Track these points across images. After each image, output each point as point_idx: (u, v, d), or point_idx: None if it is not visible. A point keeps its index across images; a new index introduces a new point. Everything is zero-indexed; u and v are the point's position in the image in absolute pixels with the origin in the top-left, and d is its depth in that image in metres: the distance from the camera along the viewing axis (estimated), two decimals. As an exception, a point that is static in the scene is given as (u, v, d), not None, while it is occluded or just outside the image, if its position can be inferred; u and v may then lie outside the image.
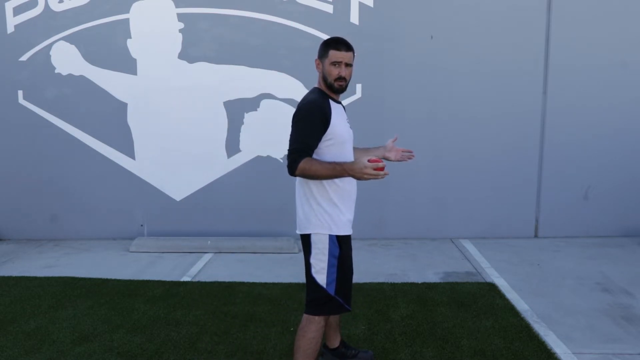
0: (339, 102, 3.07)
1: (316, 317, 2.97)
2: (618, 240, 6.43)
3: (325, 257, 2.93)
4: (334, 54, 2.92)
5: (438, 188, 6.61)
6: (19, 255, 6.26)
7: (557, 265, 5.59)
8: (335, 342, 3.46)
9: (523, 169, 6.58)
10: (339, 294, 2.96)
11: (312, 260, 2.96)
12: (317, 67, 3.03)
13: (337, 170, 2.76)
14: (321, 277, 2.93)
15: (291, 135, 2.87)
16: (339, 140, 2.93)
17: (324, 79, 2.98)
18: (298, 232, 3.06)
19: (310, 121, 2.82)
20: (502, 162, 6.56)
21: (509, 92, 6.46)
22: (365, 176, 2.68)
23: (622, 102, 6.44)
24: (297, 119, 2.86)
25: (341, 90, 2.99)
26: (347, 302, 3.02)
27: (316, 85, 3.07)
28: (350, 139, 3.08)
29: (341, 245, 2.95)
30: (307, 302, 3.02)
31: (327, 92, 3.00)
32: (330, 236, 2.92)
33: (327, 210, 2.92)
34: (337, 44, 2.95)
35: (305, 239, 3.00)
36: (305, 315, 3.01)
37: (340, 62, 2.92)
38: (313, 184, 2.91)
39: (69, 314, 4.43)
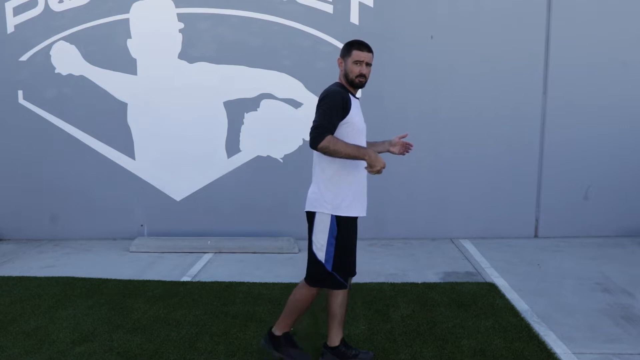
0: (358, 98, 3.41)
1: (309, 286, 3.35)
2: (618, 240, 6.42)
3: (326, 236, 3.23)
4: (357, 54, 3.27)
5: (438, 188, 6.61)
6: (19, 255, 6.26)
7: (557, 265, 5.59)
8: (336, 341, 3.46)
9: (523, 169, 6.58)
10: (336, 271, 3.26)
11: (313, 238, 3.28)
12: (339, 65, 3.36)
13: (360, 152, 3.11)
14: (321, 253, 3.25)
15: (316, 115, 3.15)
16: (355, 128, 3.25)
17: (346, 75, 3.31)
18: (305, 209, 3.34)
19: (333, 104, 3.13)
20: (502, 162, 6.56)
21: (509, 92, 6.46)
22: (377, 167, 3.09)
23: (622, 101, 6.44)
24: (321, 103, 3.18)
25: (361, 85, 3.34)
26: (345, 280, 3.29)
27: (337, 81, 3.38)
28: (365, 131, 3.38)
29: (340, 227, 3.23)
30: (307, 273, 3.36)
31: (347, 87, 3.33)
32: (332, 217, 3.22)
33: (334, 192, 3.23)
34: (360, 45, 3.31)
35: (310, 217, 3.30)
36: (302, 281, 3.38)
37: (362, 61, 3.28)
38: (329, 168, 3.23)
39: (69, 314, 4.43)
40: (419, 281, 5.11)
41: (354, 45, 3.31)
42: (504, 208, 6.63)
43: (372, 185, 6.34)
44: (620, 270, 5.35)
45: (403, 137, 3.67)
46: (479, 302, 4.55)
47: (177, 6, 6.42)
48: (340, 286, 3.29)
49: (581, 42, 6.36)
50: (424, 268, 5.55)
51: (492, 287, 4.91)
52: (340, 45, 6.34)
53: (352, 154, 3.09)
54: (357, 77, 3.28)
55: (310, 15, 6.36)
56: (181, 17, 6.45)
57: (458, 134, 6.52)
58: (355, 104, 3.28)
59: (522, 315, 4.26)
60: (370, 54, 3.31)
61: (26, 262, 5.96)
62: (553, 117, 6.48)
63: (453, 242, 6.50)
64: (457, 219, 6.65)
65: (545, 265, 5.57)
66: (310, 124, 3.13)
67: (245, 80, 6.47)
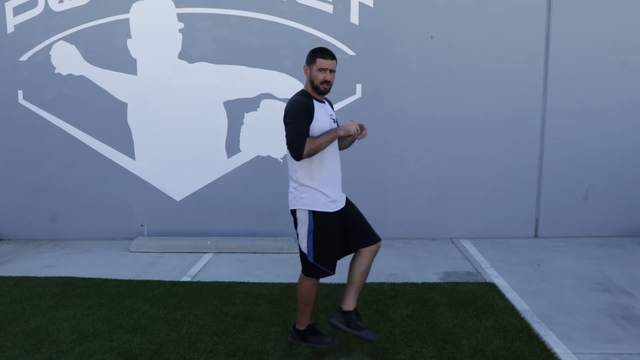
0: (323, 101, 3.62)
1: (306, 277, 3.59)
2: (618, 240, 6.42)
3: (305, 229, 3.49)
4: (320, 62, 3.48)
5: (438, 188, 6.61)
6: (19, 255, 6.26)
7: (557, 265, 5.59)
8: (349, 306, 3.62)
9: (523, 169, 6.58)
10: (317, 261, 3.49)
11: (297, 231, 3.57)
12: (305, 72, 3.58)
13: (331, 136, 3.41)
14: (303, 245, 3.52)
15: (287, 131, 3.42)
16: (319, 133, 3.46)
17: (311, 82, 3.54)
18: (289, 207, 3.60)
19: (298, 116, 3.39)
20: (502, 162, 6.56)
21: (509, 92, 6.45)
22: (352, 129, 3.41)
23: (622, 102, 6.44)
24: (288, 117, 3.43)
25: (326, 92, 3.55)
26: (329, 268, 3.53)
27: (303, 88, 3.62)
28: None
29: (316, 222, 3.46)
30: (301, 264, 3.62)
31: (313, 93, 3.55)
32: (309, 212, 3.47)
33: (308, 191, 3.47)
34: (323, 53, 3.51)
35: (293, 213, 3.58)
36: (301, 273, 3.63)
37: (326, 68, 3.48)
38: (300, 170, 3.47)
39: (69, 314, 4.43)
40: (419, 281, 5.11)
41: (317, 53, 3.51)
42: (504, 208, 6.62)
43: (372, 185, 6.37)
44: (620, 270, 5.35)
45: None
46: (479, 302, 4.55)
47: (177, 6, 6.42)
48: (324, 274, 3.54)
49: (581, 42, 6.36)
50: (424, 268, 5.55)
51: (492, 287, 4.91)
52: (341, 46, 6.43)
53: (327, 142, 3.40)
54: (321, 83, 3.48)
55: (310, 15, 6.36)
56: (181, 17, 6.45)
57: (458, 134, 6.52)
58: (320, 109, 3.50)
59: (522, 315, 4.26)
60: (333, 61, 3.49)
61: (26, 262, 5.96)
62: (553, 117, 6.48)
63: (453, 242, 6.50)
64: (457, 219, 6.65)
65: (545, 265, 5.57)
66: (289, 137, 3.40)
67: (245, 80, 6.47)
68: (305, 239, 3.50)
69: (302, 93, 3.56)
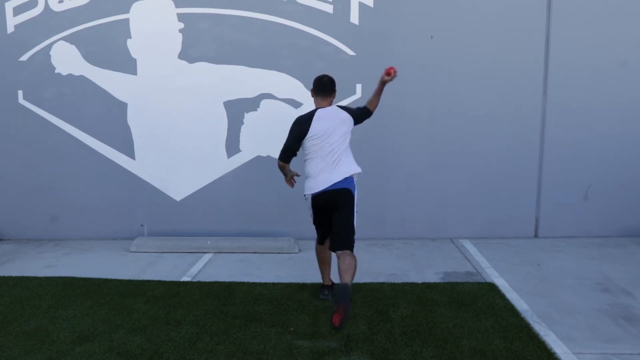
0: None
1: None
2: (618, 240, 6.42)
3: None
4: None
5: (438, 188, 6.61)
6: (19, 255, 6.26)
7: (557, 265, 5.59)
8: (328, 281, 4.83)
9: (523, 168, 6.58)
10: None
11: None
12: (333, 97, 4.57)
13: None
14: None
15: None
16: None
17: None
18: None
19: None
20: (502, 162, 6.56)
21: (509, 92, 6.45)
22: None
23: (622, 102, 6.44)
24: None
25: None
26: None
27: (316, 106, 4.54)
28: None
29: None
30: None
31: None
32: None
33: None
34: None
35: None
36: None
37: None
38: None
39: (69, 314, 4.43)
40: (419, 281, 5.11)
41: None
42: (504, 208, 6.62)
43: (372, 185, 6.38)
44: (620, 270, 5.35)
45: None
46: (479, 302, 4.55)
47: (177, 6, 6.42)
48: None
49: (581, 42, 6.35)
50: (424, 268, 5.55)
51: (492, 287, 4.91)
52: (341, 46, 6.44)
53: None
54: None
55: (310, 15, 6.36)
56: (181, 17, 6.45)
57: (458, 134, 6.52)
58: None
59: (522, 315, 4.26)
60: None
61: (26, 262, 5.96)
62: (553, 117, 6.48)
63: (453, 242, 6.49)
64: (457, 219, 6.65)
65: (545, 265, 5.57)
66: None
67: (245, 80, 6.46)
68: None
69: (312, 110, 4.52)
